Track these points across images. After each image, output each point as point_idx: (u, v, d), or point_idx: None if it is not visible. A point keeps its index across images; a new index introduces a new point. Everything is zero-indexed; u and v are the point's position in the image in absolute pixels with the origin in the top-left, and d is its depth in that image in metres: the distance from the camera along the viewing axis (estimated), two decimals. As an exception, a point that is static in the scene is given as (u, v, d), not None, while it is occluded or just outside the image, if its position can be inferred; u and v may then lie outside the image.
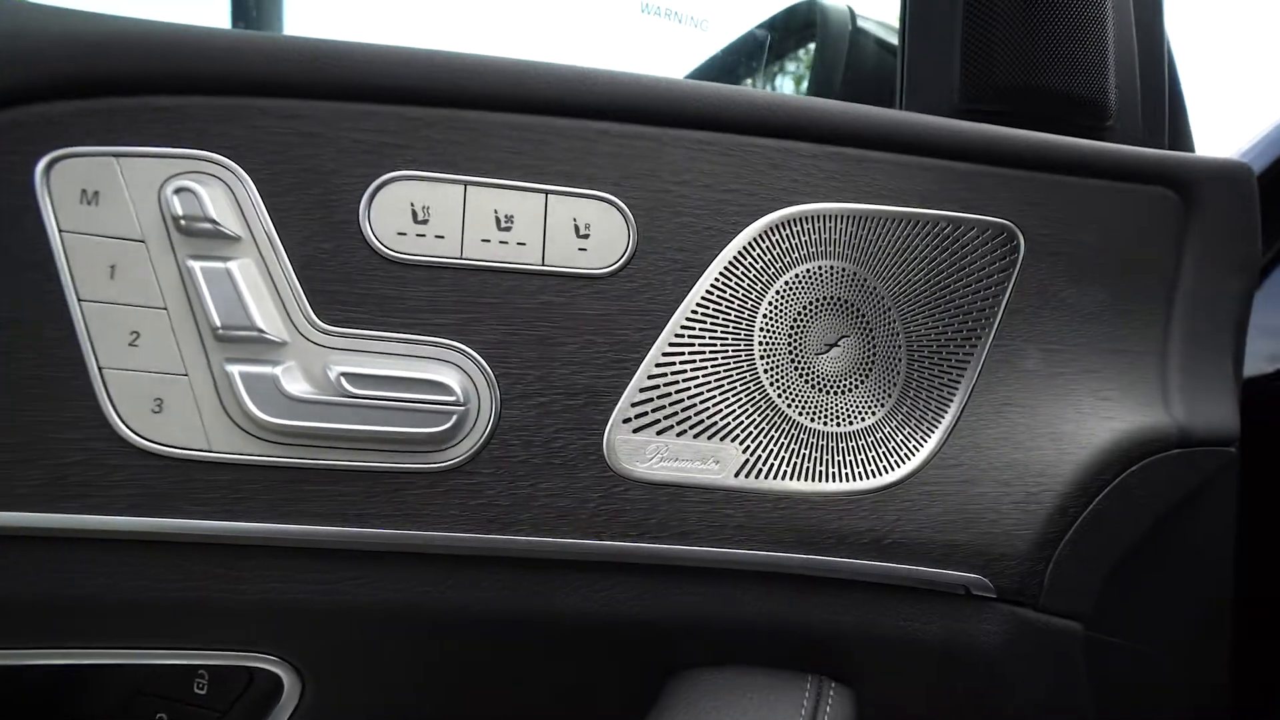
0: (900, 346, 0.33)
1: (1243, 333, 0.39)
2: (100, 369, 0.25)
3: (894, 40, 0.54)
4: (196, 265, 0.25)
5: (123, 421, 0.25)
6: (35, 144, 0.25)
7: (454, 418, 0.27)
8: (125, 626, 0.27)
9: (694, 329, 0.30)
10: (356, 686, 0.30)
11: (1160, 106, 0.44)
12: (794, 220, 0.31)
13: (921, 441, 0.32)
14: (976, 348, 0.33)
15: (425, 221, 0.28)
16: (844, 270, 0.32)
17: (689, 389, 0.30)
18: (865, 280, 0.33)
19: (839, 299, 0.32)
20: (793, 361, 0.32)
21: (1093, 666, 0.35)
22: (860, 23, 0.58)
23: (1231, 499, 0.38)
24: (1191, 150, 0.51)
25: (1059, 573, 0.32)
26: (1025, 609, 0.31)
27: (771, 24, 0.68)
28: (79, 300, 0.25)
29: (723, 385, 0.30)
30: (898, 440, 0.32)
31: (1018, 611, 0.31)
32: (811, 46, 0.62)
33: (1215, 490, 0.37)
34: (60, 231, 0.25)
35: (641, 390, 0.29)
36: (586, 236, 0.29)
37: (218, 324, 0.25)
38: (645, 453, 0.29)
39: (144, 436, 0.25)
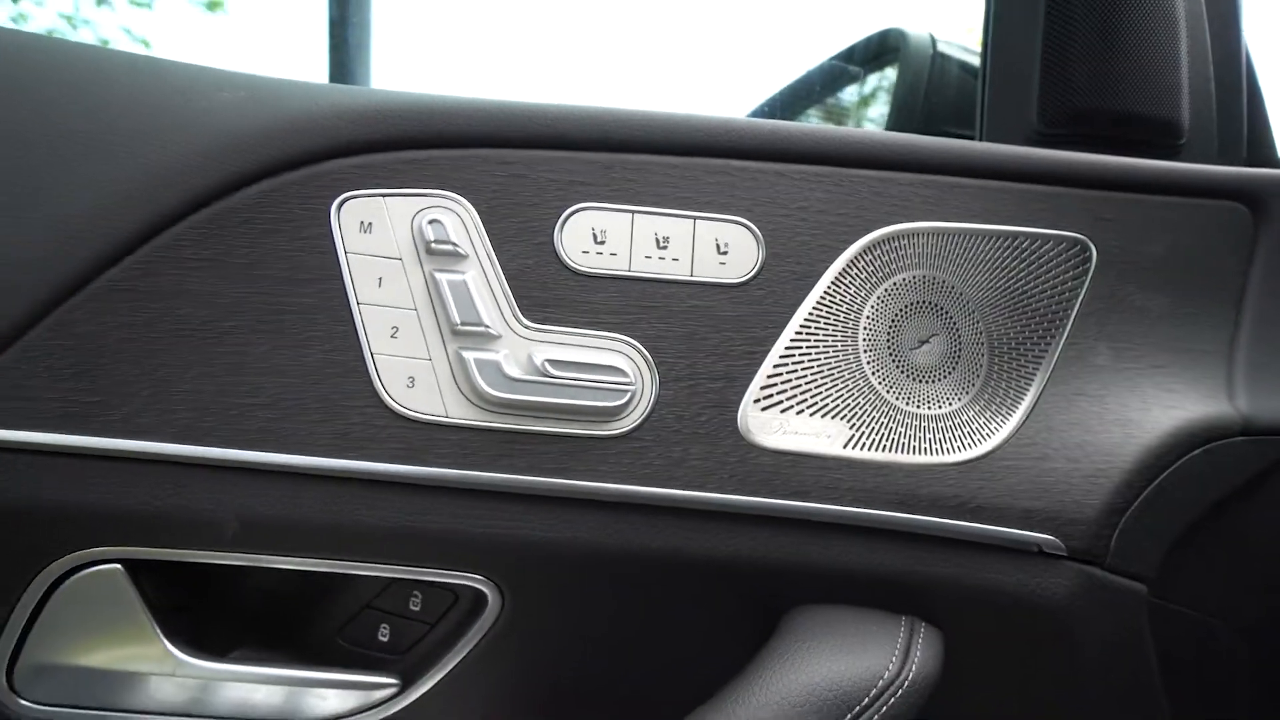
0: (983, 344, 0.39)
1: None
2: (372, 354, 0.34)
3: (976, 64, 0.58)
4: (441, 276, 0.34)
5: (387, 394, 0.34)
6: (330, 190, 0.34)
7: (626, 395, 0.35)
8: (383, 549, 0.36)
9: (810, 327, 0.37)
10: (547, 607, 0.38)
11: (1236, 120, 0.47)
12: (892, 238, 0.38)
13: (1001, 424, 0.38)
14: (1051, 345, 0.39)
15: (603, 242, 0.35)
16: (934, 279, 0.38)
17: (806, 376, 0.37)
18: (953, 287, 0.39)
19: (931, 303, 0.39)
20: (891, 355, 0.38)
21: (1160, 634, 0.40)
22: (941, 48, 0.63)
23: None
24: (1275, 156, 0.54)
25: (1124, 539, 0.37)
26: (1093, 567, 0.37)
27: (851, 52, 0.74)
28: (358, 303, 0.34)
29: (833, 374, 0.37)
30: (980, 423, 0.38)
31: (1085, 569, 0.37)
32: (891, 71, 0.67)
33: None
34: (346, 252, 0.34)
35: (768, 377, 0.36)
36: (726, 253, 0.36)
37: (456, 320, 0.34)
38: (771, 427, 0.36)
39: (402, 405, 0.34)
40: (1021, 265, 0.39)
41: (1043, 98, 0.44)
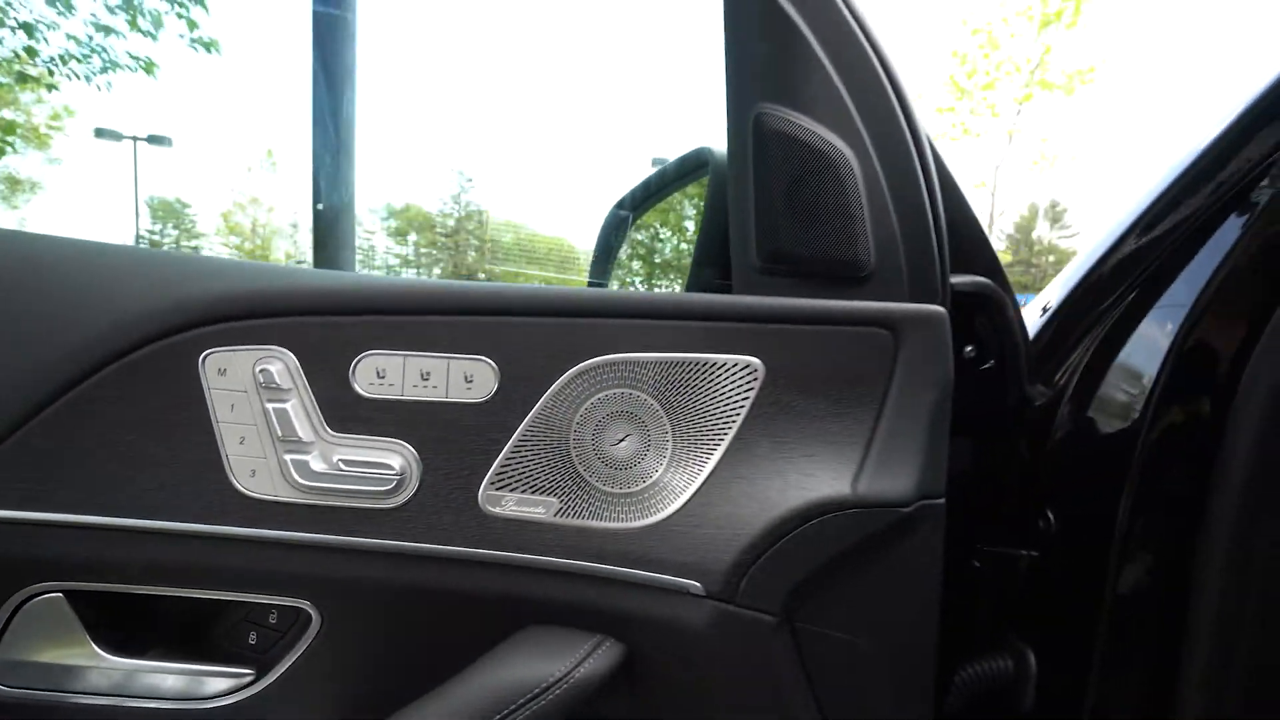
0: (668, 441, 0.54)
1: (938, 428, 0.53)
2: (227, 455, 0.51)
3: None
4: (271, 405, 0.51)
5: (237, 481, 0.51)
6: (199, 347, 0.51)
7: (397, 481, 0.51)
8: (239, 582, 0.53)
9: (533, 432, 0.53)
10: (352, 625, 0.55)
11: (928, 255, 0.56)
12: (597, 366, 0.53)
13: (673, 501, 0.53)
14: (723, 441, 0.54)
15: (384, 377, 0.52)
16: (631, 394, 0.54)
17: (528, 467, 0.53)
18: (646, 400, 0.54)
19: (628, 411, 0.54)
20: (593, 449, 0.54)
21: (810, 650, 0.54)
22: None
23: (936, 535, 0.53)
24: (995, 264, 0.67)
25: (752, 583, 0.51)
26: (726, 604, 0.52)
27: (664, 172, 0.88)
28: (217, 421, 0.51)
29: (548, 464, 0.53)
30: (659, 499, 0.53)
31: (721, 605, 0.52)
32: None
33: (921, 529, 0.53)
34: (209, 389, 0.51)
35: (500, 467, 0.53)
36: (471, 382, 0.53)
37: (280, 434, 0.51)
38: (501, 501, 0.52)
39: (247, 488, 0.51)
40: (702, 382, 0.53)
41: (758, 242, 0.56)
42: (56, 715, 0.54)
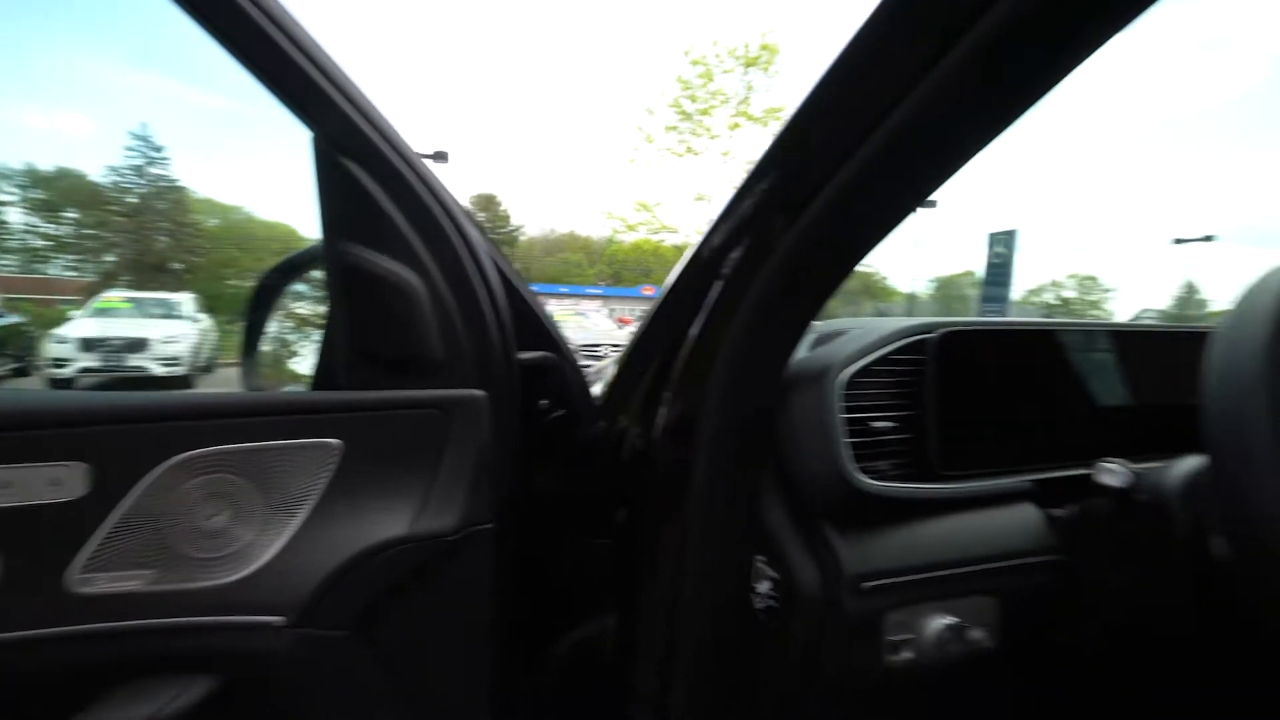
0: (257, 510, 0.66)
1: (480, 475, 0.73)
2: None
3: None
4: None
5: None
6: None
7: None
8: None
9: (129, 519, 0.61)
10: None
11: (486, 343, 0.74)
12: (190, 459, 0.63)
13: (260, 558, 0.66)
14: (307, 506, 0.68)
15: None
16: (223, 478, 0.65)
17: (124, 548, 0.61)
18: (236, 480, 0.65)
19: (221, 491, 0.65)
20: (189, 526, 0.64)
21: (381, 654, 0.70)
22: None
23: (485, 550, 0.74)
24: (555, 340, 0.91)
25: (325, 610, 0.67)
26: (305, 629, 0.67)
27: (289, 262, 0.96)
28: None
29: (145, 544, 0.61)
30: (247, 559, 0.65)
31: (300, 631, 0.66)
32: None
33: (472, 547, 0.73)
34: None
35: (95, 553, 0.60)
36: (60, 484, 0.58)
37: None
38: (93, 581, 0.59)
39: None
40: (288, 461, 0.67)
41: (351, 345, 0.72)
42: None
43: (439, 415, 0.71)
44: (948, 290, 55.39)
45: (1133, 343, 0.99)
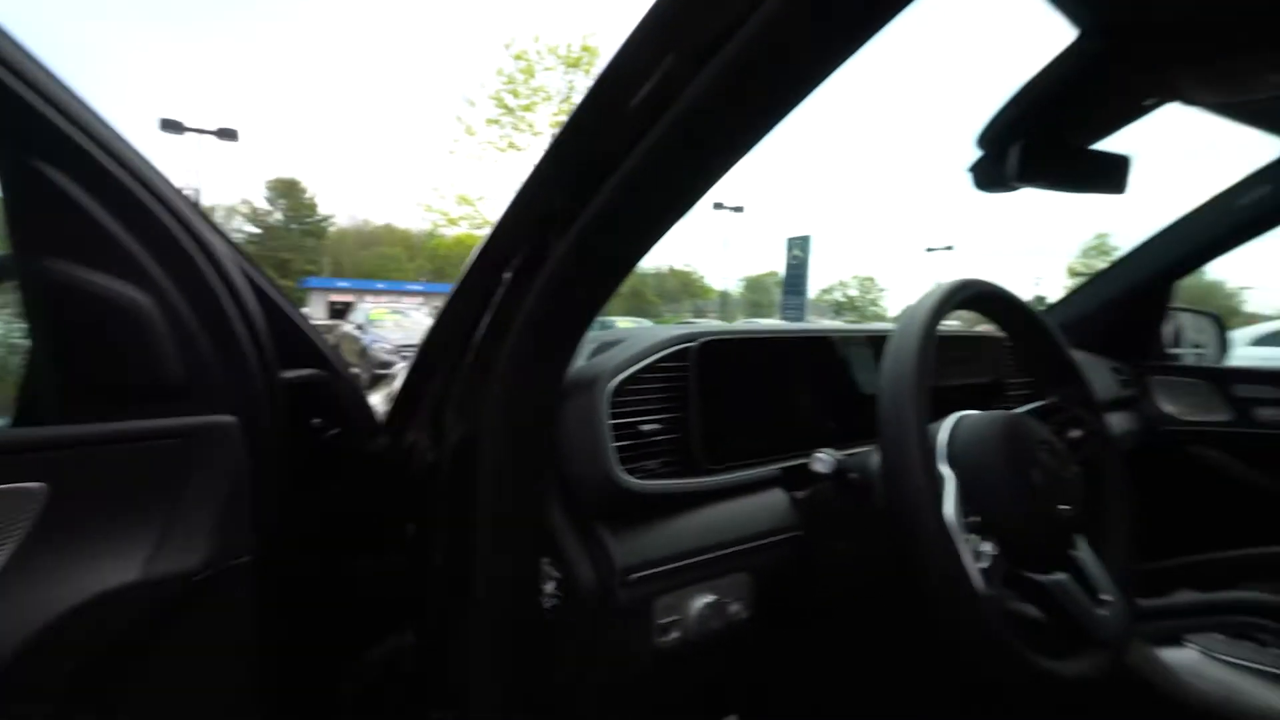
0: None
1: (234, 507, 0.65)
2: None
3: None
4: None
5: None
6: None
7: None
8: None
9: None
10: None
11: (242, 364, 0.69)
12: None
13: None
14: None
15: None
16: None
17: None
18: None
19: None
20: None
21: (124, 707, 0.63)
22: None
23: (247, 584, 0.67)
24: (323, 356, 0.86)
25: (10, 686, 0.57)
26: None
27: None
28: None
29: None
30: None
31: None
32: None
33: (227, 584, 0.66)
34: None
35: None
36: None
37: None
38: None
39: None
40: None
41: (59, 376, 0.63)
42: None
43: (176, 445, 0.64)
44: (755, 288, 60.94)
45: (858, 345, 1.20)
